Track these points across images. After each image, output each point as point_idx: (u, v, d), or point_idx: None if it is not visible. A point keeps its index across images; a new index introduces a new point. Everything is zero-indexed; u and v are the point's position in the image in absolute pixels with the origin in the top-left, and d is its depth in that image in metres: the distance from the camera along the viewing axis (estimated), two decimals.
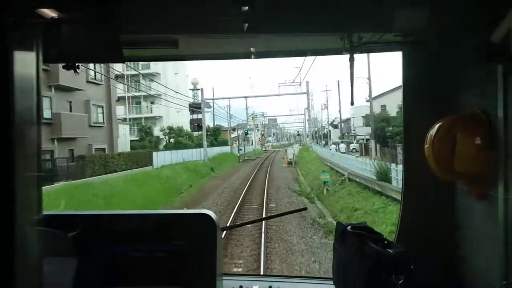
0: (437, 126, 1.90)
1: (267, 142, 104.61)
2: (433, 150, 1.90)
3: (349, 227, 2.13)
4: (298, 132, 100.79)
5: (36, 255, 0.86)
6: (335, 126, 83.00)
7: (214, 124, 60.89)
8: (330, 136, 63.68)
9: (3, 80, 0.78)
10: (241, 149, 49.43)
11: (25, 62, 0.80)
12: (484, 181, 1.82)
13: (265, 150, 76.26)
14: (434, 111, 2.11)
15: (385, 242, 2.07)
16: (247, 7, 1.78)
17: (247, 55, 2.40)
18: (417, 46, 2.14)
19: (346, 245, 2.11)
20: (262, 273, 8.74)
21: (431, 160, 1.90)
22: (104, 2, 1.75)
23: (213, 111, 50.45)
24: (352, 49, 2.11)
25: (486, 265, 1.87)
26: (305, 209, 2.45)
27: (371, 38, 2.11)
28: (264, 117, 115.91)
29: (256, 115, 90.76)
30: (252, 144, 75.38)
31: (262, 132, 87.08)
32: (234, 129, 47.27)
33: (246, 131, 45.50)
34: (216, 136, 60.49)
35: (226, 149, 55.67)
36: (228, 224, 4.77)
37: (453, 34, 1.91)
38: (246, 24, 1.89)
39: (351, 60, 2.16)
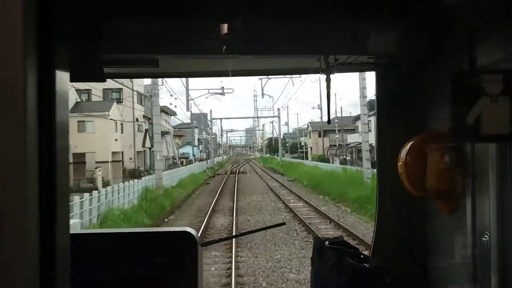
0: (409, 144, 2.20)
1: (173, 160, 66.03)
2: (406, 168, 2.16)
3: (326, 242, 2.29)
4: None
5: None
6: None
7: None
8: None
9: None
10: None
11: None
12: (453, 197, 2.13)
13: None
14: (406, 129, 2.41)
15: (361, 256, 2.25)
16: (226, 29, 1.98)
17: (225, 74, 2.60)
18: (389, 67, 2.46)
19: (324, 260, 2.25)
20: None
21: (404, 177, 2.18)
22: (86, 22, 1.86)
23: None
24: (328, 70, 2.34)
25: (458, 277, 2.19)
26: (283, 224, 3.02)
27: (346, 59, 2.39)
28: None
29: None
30: None
31: (143, 128, 54.99)
32: None
33: None
34: None
35: None
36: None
37: (423, 56, 2.24)
38: (225, 45, 2.11)
39: (328, 80, 2.38)
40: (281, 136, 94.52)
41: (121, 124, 49.04)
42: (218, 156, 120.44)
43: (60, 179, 0.97)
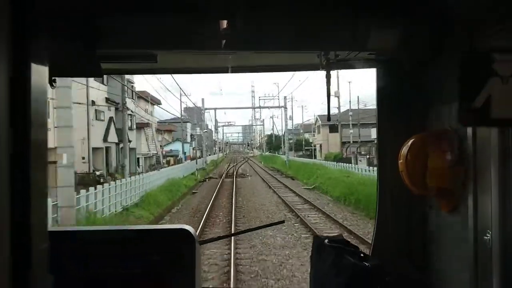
0: (410, 142, 2.23)
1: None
2: (406, 166, 2.18)
3: (326, 241, 2.30)
4: None
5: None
6: None
7: None
8: None
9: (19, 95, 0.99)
10: None
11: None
12: (454, 195, 2.17)
13: None
14: (407, 127, 2.43)
15: (361, 255, 2.27)
16: (225, 25, 2.04)
17: (225, 70, 2.60)
18: (390, 64, 2.47)
19: (323, 258, 2.25)
20: None
21: (404, 175, 2.21)
22: (83, 17, 1.87)
23: None
24: (328, 66, 2.37)
25: (457, 275, 2.21)
26: (283, 222, 3.36)
27: (346, 56, 2.42)
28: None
29: None
30: None
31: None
32: None
33: None
34: None
35: None
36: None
37: (424, 53, 2.25)
38: (224, 41, 2.17)
39: (328, 76, 2.40)
40: (285, 131, 79.55)
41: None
42: (214, 153, 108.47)
43: (36, 175, 0.97)
